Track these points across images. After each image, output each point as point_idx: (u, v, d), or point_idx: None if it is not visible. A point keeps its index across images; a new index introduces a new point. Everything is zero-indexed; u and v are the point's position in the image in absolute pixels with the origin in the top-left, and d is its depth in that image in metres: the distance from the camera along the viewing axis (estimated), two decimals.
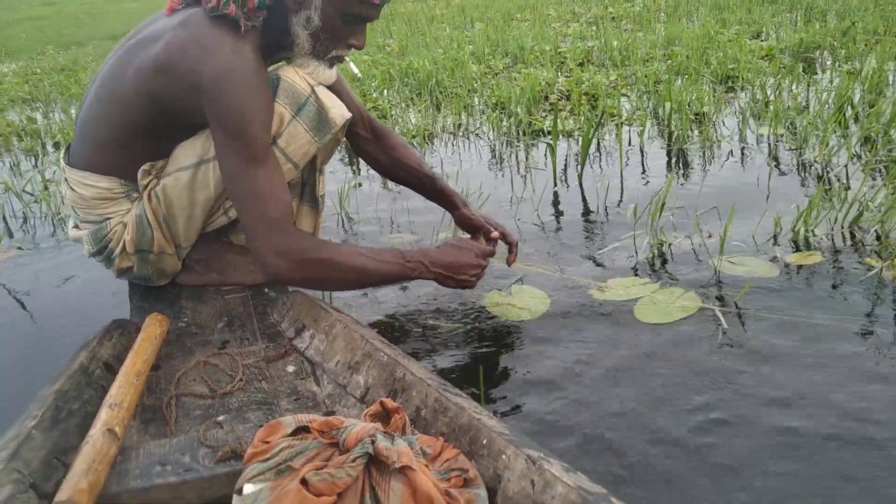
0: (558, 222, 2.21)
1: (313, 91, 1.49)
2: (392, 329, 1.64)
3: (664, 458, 1.18)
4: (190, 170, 1.50)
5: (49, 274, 2.05)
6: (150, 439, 1.14)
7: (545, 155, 2.85)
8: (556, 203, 2.36)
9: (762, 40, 4.73)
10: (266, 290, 1.64)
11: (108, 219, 1.57)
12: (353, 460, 0.85)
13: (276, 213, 1.39)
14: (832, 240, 1.87)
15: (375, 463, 0.87)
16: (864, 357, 1.39)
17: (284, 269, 1.39)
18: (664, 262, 1.86)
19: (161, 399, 1.25)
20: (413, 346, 1.57)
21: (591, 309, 1.66)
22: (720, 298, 1.65)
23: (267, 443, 0.93)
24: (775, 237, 1.91)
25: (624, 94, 3.62)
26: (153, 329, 1.36)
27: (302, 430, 0.94)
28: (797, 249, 1.84)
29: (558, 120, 3.08)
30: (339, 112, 1.52)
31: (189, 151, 1.51)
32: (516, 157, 2.91)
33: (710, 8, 6.31)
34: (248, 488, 0.87)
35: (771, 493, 1.10)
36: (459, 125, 3.47)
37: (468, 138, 3.28)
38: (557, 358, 1.48)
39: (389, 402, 1.00)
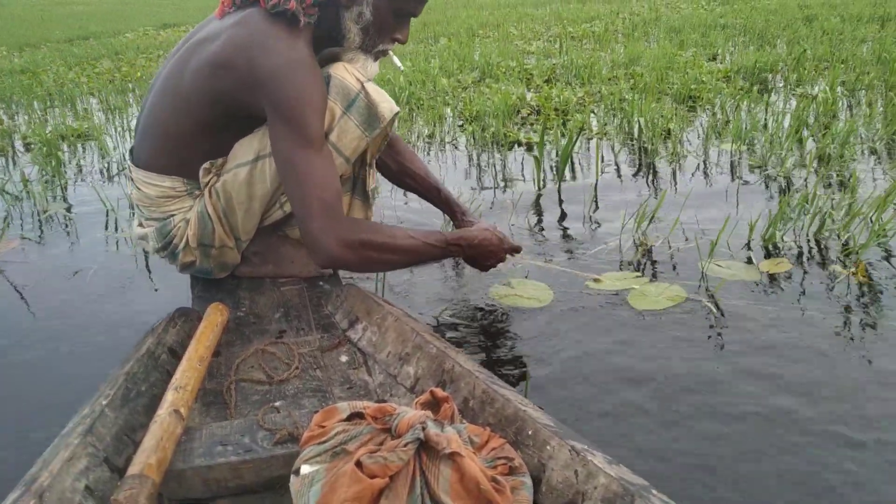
0: (544, 227, 2.36)
1: (363, 87, 1.54)
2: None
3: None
4: (248, 166, 1.56)
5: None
6: (212, 421, 1.20)
7: (521, 164, 3.05)
8: (538, 209, 2.52)
9: (718, 62, 5.04)
10: (321, 283, 1.70)
11: (172, 216, 1.65)
12: (405, 445, 0.89)
13: (331, 198, 1.44)
14: (800, 247, 2.06)
15: (426, 448, 0.91)
16: (830, 345, 1.57)
17: (339, 252, 1.43)
18: (652, 262, 2.03)
19: (221, 384, 1.31)
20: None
21: (590, 297, 1.84)
22: (707, 292, 1.83)
23: (323, 427, 0.98)
24: (749, 244, 2.08)
25: (591, 112, 3.80)
26: (214, 317, 1.43)
27: (356, 416, 0.99)
28: (768, 256, 2.01)
29: (532, 133, 3.44)
30: (388, 107, 1.57)
31: (247, 148, 1.58)
32: (494, 166, 3.06)
33: (666, 31, 6.58)
34: (305, 469, 0.93)
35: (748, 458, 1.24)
36: (432, 135, 3.62)
37: (443, 148, 3.43)
38: (569, 337, 1.65)
39: (439, 392, 1.04)
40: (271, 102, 1.43)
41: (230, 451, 1.05)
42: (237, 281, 1.72)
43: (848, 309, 1.70)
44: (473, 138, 3.43)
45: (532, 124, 3.68)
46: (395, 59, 1.78)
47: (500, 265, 1.77)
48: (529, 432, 1.03)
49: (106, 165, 3.31)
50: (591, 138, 3.17)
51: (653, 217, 2.23)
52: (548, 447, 0.99)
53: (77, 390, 1.39)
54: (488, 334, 1.70)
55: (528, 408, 1.07)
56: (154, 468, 0.94)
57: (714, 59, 5.21)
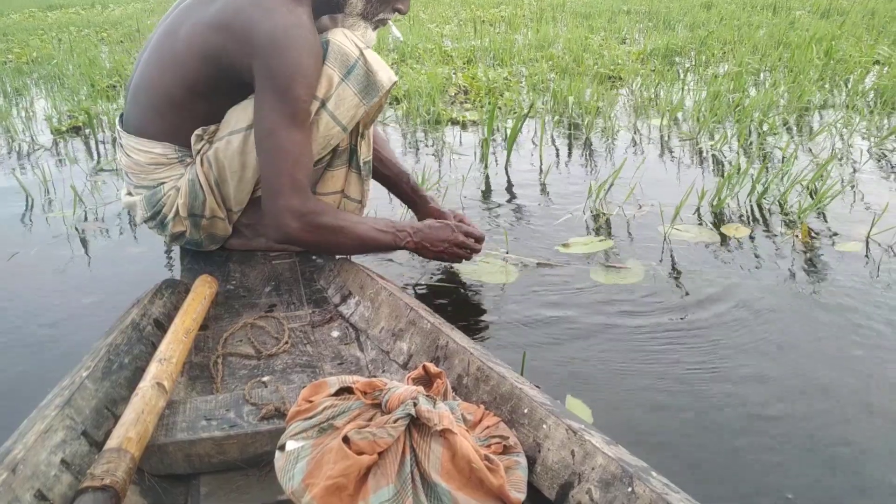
0: (501, 203, 2.36)
1: (362, 54, 1.50)
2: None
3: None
4: (241, 133, 1.52)
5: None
6: (197, 395, 1.16)
7: (460, 142, 3.08)
8: (489, 187, 2.51)
9: (628, 45, 5.27)
10: (313, 256, 1.66)
11: (162, 184, 1.60)
12: (395, 421, 0.86)
13: (303, 175, 1.44)
14: (746, 213, 2.19)
15: (417, 425, 0.87)
16: (781, 301, 1.66)
17: (297, 232, 1.45)
18: (612, 228, 2.10)
19: (208, 357, 1.27)
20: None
21: (553, 275, 1.82)
22: (669, 255, 1.91)
23: (311, 402, 0.94)
24: (698, 210, 2.19)
25: (511, 90, 3.86)
26: (202, 289, 1.39)
27: (345, 391, 0.95)
28: (718, 221, 2.13)
29: (465, 113, 3.48)
30: (386, 75, 1.53)
31: (241, 115, 1.53)
32: (434, 146, 3.06)
33: (574, 15, 6.79)
34: (291, 445, 0.89)
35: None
36: None
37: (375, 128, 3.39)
38: (537, 312, 1.64)
39: (432, 367, 1.00)
40: (264, 68, 1.39)
41: (214, 425, 1.02)
42: (227, 254, 1.68)
43: (795, 265, 1.84)
44: (406, 118, 3.42)
45: (462, 103, 3.72)
46: (395, 30, 1.74)
47: (466, 260, 1.72)
48: (525, 411, 0.99)
49: (17, 147, 3.14)
50: (532, 116, 3.20)
51: (610, 186, 2.34)
52: (544, 426, 0.95)
53: (33, 376, 1.37)
54: (456, 311, 1.66)
55: (524, 386, 1.04)
56: (133, 442, 0.90)
57: (624, 42, 5.42)
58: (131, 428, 0.92)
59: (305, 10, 1.45)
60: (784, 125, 3.04)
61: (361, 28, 1.55)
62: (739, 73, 3.72)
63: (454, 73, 4.20)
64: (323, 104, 1.48)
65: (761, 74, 3.95)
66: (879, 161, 2.66)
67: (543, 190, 2.47)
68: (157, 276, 1.78)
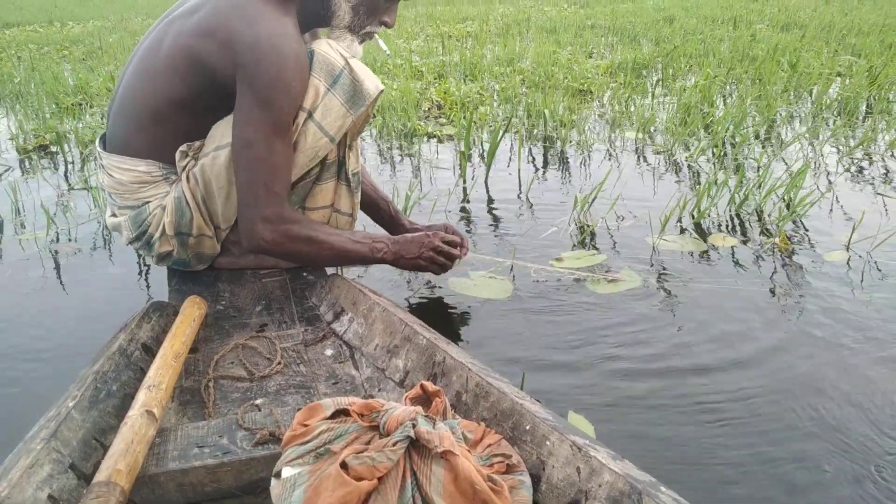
0: (481, 218, 2.35)
1: (347, 63, 1.48)
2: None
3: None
4: (228, 148, 1.49)
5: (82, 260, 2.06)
6: (189, 421, 1.13)
7: (437, 156, 3.06)
8: (470, 201, 2.50)
9: (595, 59, 5.32)
10: (304, 273, 1.63)
11: (147, 203, 1.57)
12: (394, 444, 0.83)
13: (280, 187, 1.44)
14: (726, 222, 2.23)
15: (416, 447, 0.84)
16: (765, 306, 1.69)
17: (272, 241, 1.44)
18: (599, 240, 2.11)
19: (199, 381, 1.24)
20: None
21: (548, 285, 1.83)
22: (660, 266, 1.93)
23: (306, 426, 0.91)
24: (679, 220, 2.22)
25: (485, 105, 3.89)
26: (191, 311, 1.35)
27: (341, 413, 0.92)
28: (699, 230, 2.16)
29: (440, 127, 3.49)
30: (373, 84, 1.51)
31: (226, 130, 1.50)
32: (410, 159, 3.05)
33: (540, 31, 6.86)
34: (287, 472, 0.86)
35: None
36: None
37: None
38: (536, 327, 1.63)
39: (430, 386, 0.97)
40: (246, 77, 1.37)
41: (207, 453, 0.98)
42: (216, 273, 1.65)
43: (780, 273, 1.87)
44: (381, 134, 3.42)
45: (437, 118, 3.73)
46: (382, 43, 1.72)
47: (451, 269, 1.66)
48: (527, 427, 0.96)
49: None
50: (508, 131, 3.21)
51: (594, 199, 2.34)
52: (547, 443, 0.93)
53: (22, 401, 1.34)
54: (452, 326, 1.65)
55: (525, 401, 1.01)
56: (123, 474, 0.87)
57: (590, 56, 5.47)
58: (120, 459, 0.88)
59: (291, 20, 1.43)
60: (755, 137, 3.08)
61: (348, 41, 1.53)
62: (707, 85, 3.78)
63: (427, 88, 4.21)
64: (310, 115, 1.46)
65: (727, 87, 4.03)
66: (849, 170, 2.71)
67: (525, 204, 2.46)
68: (136, 297, 1.75)
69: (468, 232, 2.21)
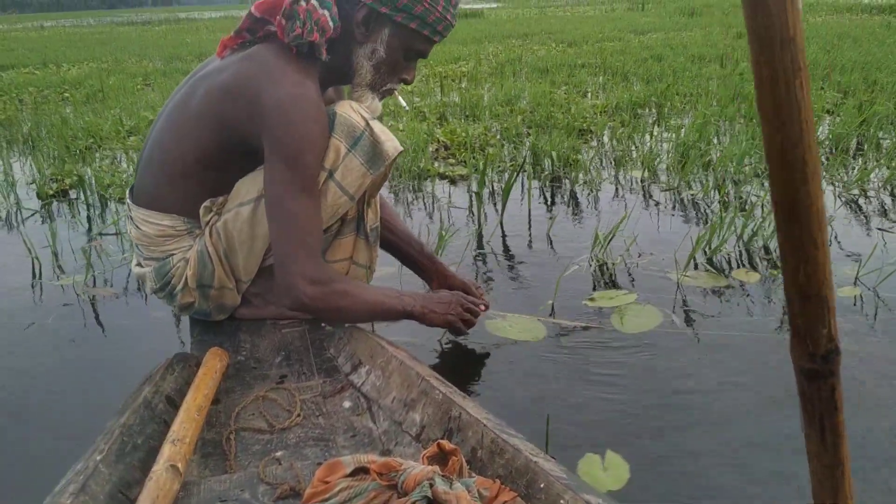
0: (500, 257, 2.40)
1: (368, 125, 1.53)
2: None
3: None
4: (251, 204, 1.54)
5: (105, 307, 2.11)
6: (211, 474, 1.15)
7: (450, 197, 3.11)
8: (487, 241, 2.54)
9: (589, 98, 5.34)
10: (323, 324, 1.66)
11: (171, 255, 1.62)
12: (412, 503, 0.85)
13: (314, 242, 1.46)
14: (739, 257, 2.30)
15: None
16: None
17: (310, 299, 1.45)
18: (619, 277, 2.16)
19: (221, 433, 1.27)
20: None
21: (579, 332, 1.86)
22: (685, 304, 1.97)
23: (326, 482, 0.94)
24: (692, 257, 2.23)
25: (491, 145, 3.93)
26: (213, 363, 1.39)
27: (361, 471, 0.95)
28: (711, 265, 2.23)
29: (449, 166, 3.56)
30: (392, 145, 1.56)
31: (250, 187, 1.55)
32: (424, 200, 3.11)
33: (532, 70, 6.92)
34: None
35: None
36: None
37: None
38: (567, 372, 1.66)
39: (447, 444, 1.00)
40: (272, 138, 1.42)
41: None
42: (237, 323, 1.68)
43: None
44: (393, 174, 3.47)
45: (445, 159, 3.78)
46: (402, 100, 1.78)
47: (472, 328, 1.71)
48: (542, 485, 0.98)
49: (5, 213, 3.09)
50: (518, 171, 3.23)
51: (611, 239, 2.36)
52: (561, 501, 0.94)
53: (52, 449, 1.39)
54: (487, 371, 1.68)
55: (540, 458, 1.03)
56: None
57: (585, 95, 5.53)
58: None
59: (313, 82, 1.48)
60: (755, 175, 3.16)
61: (369, 99, 1.59)
62: (704, 124, 3.85)
63: (433, 129, 4.27)
64: (330, 174, 1.51)
65: (721, 125, 4.10)
66: (849, 205, 2.77)
67: (541, 243, 2.51)
68: (170, 343, 1.79)
69: (487, 272, 2.25)
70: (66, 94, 6.61)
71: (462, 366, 1.72)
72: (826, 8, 14.03)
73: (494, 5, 26.32)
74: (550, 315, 1.92)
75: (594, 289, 2.08)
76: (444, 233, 2.39)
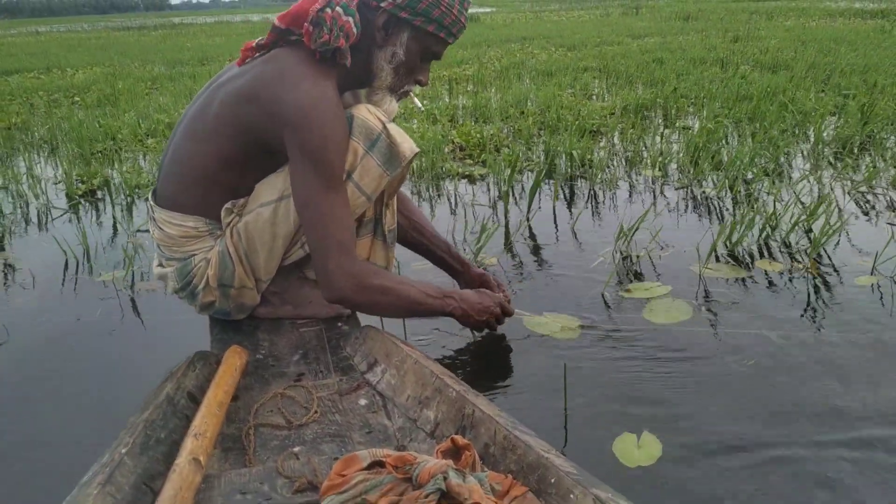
0: (529, 252, 2.49)
1: (385, 127, 1.56)
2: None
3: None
4: (272, 205, 1.58)
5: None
6: (231, 468, 1.19)
7: (473, 196, 3.19)
8: (508, 237, 2.64)
9: (596, 101, 5.39)
10: (339, 324, 1.70)
11: (193, 255, 1.66)
12: (426, 496, 0.88)
13: (348, 238, 1.50)
14: (759, 249, 2.38)
15: (447, 499, 0.89)
16: (824, 331, 1.82)
17: (349, 291, 1.49)
18: (645, 269, 2.25)
19: (240, 429, 1.30)
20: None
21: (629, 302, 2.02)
22: (707, 295, 2.06)
23: (343, 476, 0.97)
24: (714, 249, 2.31)
25: (506, 146, 3.99)
26: (233, 361, 1.42)
27: (377, 465, 0.98)
28: (733, 258, 2.31)
29: (467, 167, 3.64)
30: (408, 147, 1.59)
31: (270, 188, 1.59)
32: (445, 199, 3.17)
33: (537, 73, 6.94)
34: None
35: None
36: None
37: None
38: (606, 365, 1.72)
39: (460, 440, 1.03)
40: (295, 140, 1.45)
41: (249, 499, 1.04)
42: (256, 322, 1.72)
43: (814, 297, 2.02)
44: (413, 175, 3.52)
45: (462, 159, 3.85)
46: (417, 101, 1.81)
47: (499, 328, 1.79)
48: (552, 480, 1.01)
49: (35, 212, 3.16)
50: (542, 171, 3.28)
51: (635, 231, 2.46)
52: (571, 496, 0.97)
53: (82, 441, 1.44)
54: (519, 366, 1.73)
55: (551, 454, 1.06)
56: None
57: (591, 97, 5.57)
58: None
59: (331, 84, 1.51)
60: (766, 174, 3.22)
61: (387, 102, 1.62)
62: (717, 125, 3.90)
63: (448, 131, 4.33)
64: (349, 175, 1.54)
65: (729, 126, 4.14)
66: (859, 203, 2.85)
67: (567, 238, 2.60)
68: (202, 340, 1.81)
69: (520, 267, 2.33)
70: (77, 98, 6.71)
71: (501, 360, 1.78)
72: (819, 13, 14.06)
73: (489, 10, 26.33)
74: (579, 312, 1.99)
75: (620, 282, 2.15)
76: (487, 229, 2.47)
